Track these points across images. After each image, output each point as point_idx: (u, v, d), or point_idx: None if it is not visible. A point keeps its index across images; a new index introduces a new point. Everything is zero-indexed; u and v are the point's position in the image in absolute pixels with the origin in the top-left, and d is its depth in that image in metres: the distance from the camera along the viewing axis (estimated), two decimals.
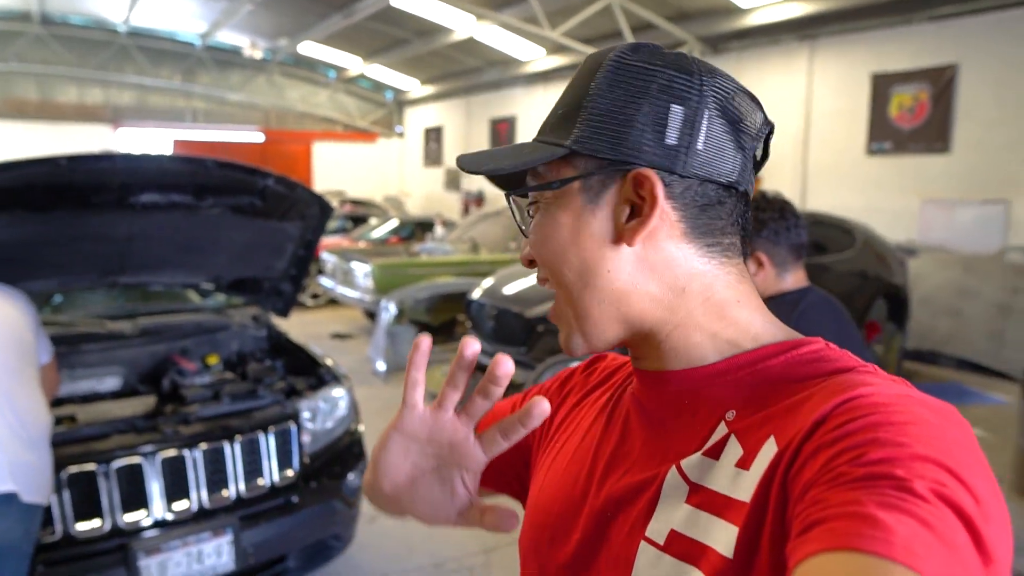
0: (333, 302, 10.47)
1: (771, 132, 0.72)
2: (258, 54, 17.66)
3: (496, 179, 0.76)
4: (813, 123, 11.14)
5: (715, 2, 11.22)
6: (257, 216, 3.15)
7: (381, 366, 7.07)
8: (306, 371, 3.40)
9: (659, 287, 0.67)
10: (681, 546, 0.60)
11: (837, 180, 10.89)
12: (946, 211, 9.56)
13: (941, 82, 9.49)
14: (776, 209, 2.05)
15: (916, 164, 9.91)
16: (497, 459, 0.73)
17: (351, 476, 3.06)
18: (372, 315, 9.44)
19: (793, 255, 2.04)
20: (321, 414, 3.07)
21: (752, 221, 2.04)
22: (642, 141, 0.65)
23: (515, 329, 5.82)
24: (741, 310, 0.68)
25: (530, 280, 6.24)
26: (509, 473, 0.90)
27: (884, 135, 10.19)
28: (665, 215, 0.65)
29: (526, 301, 5.85)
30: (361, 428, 3.29)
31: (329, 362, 3.41)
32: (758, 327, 0.68)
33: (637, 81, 0.66)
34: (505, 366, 0.65)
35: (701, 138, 0.65)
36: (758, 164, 0.72)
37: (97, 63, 18.76)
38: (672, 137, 0.64)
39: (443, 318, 8.28)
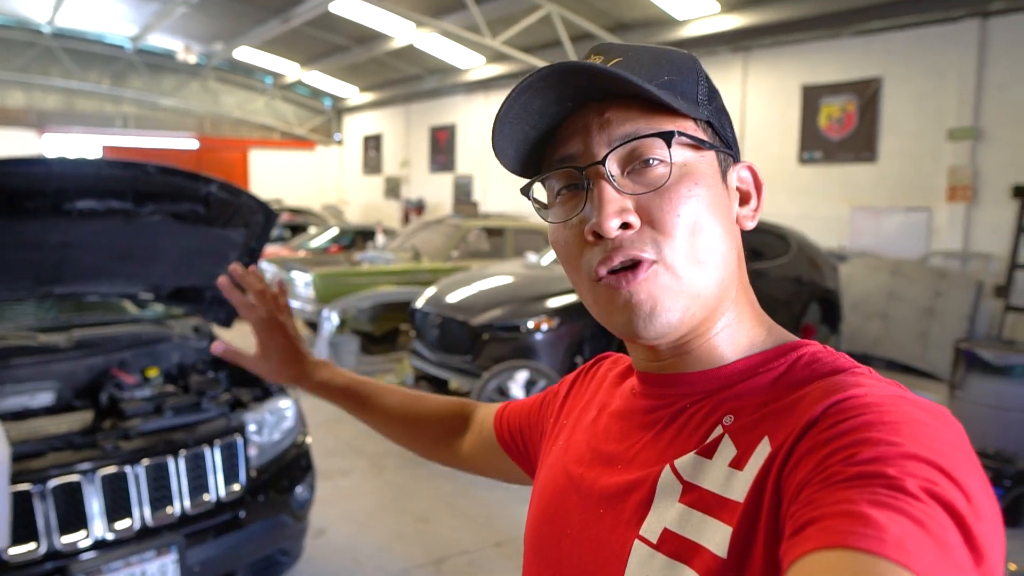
0: None
1: None
2: (192, 58, 17.21)
3: (620, 114, 0.66)
4: (748, 132, 11.44)
5: (651, 14, 11.45)
6: (199, 223, 3.06)
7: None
8: (250, 382, 3.33)
9: (740, 277, 0.70)
10: (674, 545, 0.60)
11: (771, 188, 11.17)
12: (874, 218, 9.93)
13: (867, 94, 9.87)
14: None
15: (845, 172, 10.26)
16: (511, 426, 0.98)
17: (299, 489, 3.00)
18: (313, 325, 9.28)
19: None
20: (267, 426, 3.01)
21: None
22: (733, 138, 0.72)
23: (460, 337, 5.81)
24: (764, 313, 0.72)
25: (473, 288, 6.24)
26: (519, 440, 0.97)
27: (815, 144, 10.53)
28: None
29: (470, 309, 5.84)
30: (308, 440, 3.24)
31: None
32: (764, 331, 0.70)
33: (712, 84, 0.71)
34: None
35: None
36: None
37: (19, 65, 18.00)
38: (734, 143, 0.72)
39: (386, 327, 8.21)
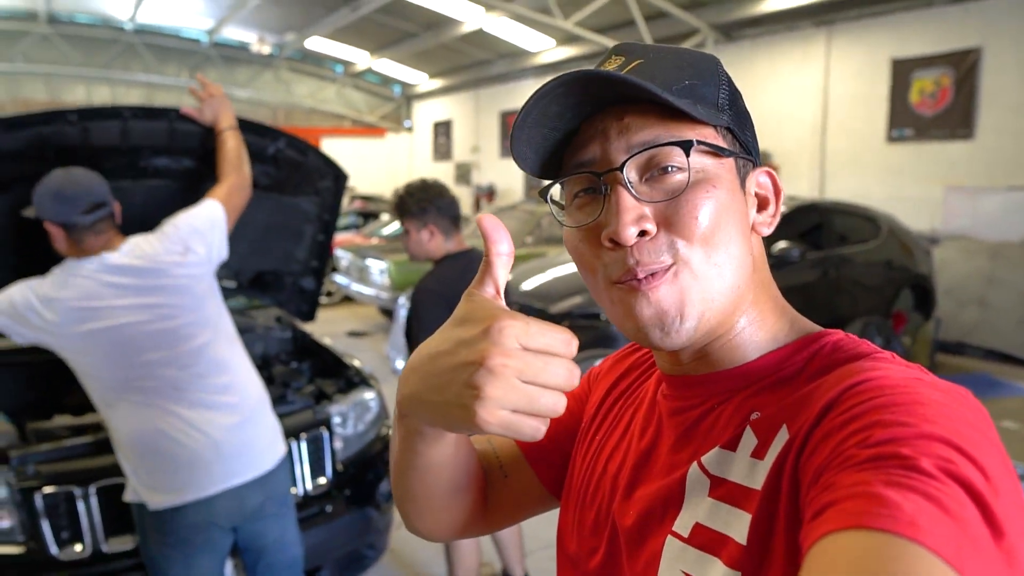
0: (348, 300, 10.36)
1: None
2: (266, 49, 17.56)
3: (635, 113, 0.65)
4: (831, 111, 10.96)
5: None
6: (270, 191, 2.86)
7: (400, 364, 6.96)
8: (333, 373, 3.28)
9: (758, 280, 0.69)
10: (704, 538, 0.61)
11: (857, 168, 10.71)
12: (970, 198, 9.37)
13: (964, 66, 9.29)
14: (436, 191, 2.64)
15: (938, 151, 9.73)
16: (545, 439, 0.79)
17: (384, 482, 2.94)
18: (388, 312, 9.33)
19: (453, 224, 2.66)
20: (352, 418, 2.95)
21: (419, 203, 2.34)
22: (754, 142, 0.71)
23: None
24: (788, 307, 0.71)
25: (549, 275, 6.11)
26: (552, 452, 0.88)
27: (905, 121, 10.00)
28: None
29: (548, 297, 5.72)
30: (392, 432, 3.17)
31: (357, 363, 3.29)
32: (787, 324, 0.70)
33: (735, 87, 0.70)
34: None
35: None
36: None
37: (104, 62, 18.67)
38: (754, 147, 0.72)
39: None
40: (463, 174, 20.30)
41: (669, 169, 0.64)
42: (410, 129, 23.18)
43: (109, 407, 2.02)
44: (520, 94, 17.73)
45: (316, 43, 18.35)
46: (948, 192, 9.60)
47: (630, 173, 0.64)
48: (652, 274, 0.63)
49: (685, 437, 0.69)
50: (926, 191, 9.77)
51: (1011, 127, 8.97)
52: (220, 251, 2.22)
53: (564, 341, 0.52)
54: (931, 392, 0.52)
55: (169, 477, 2.02)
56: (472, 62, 17.97)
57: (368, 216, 13.91)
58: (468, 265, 2.66)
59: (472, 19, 14.41)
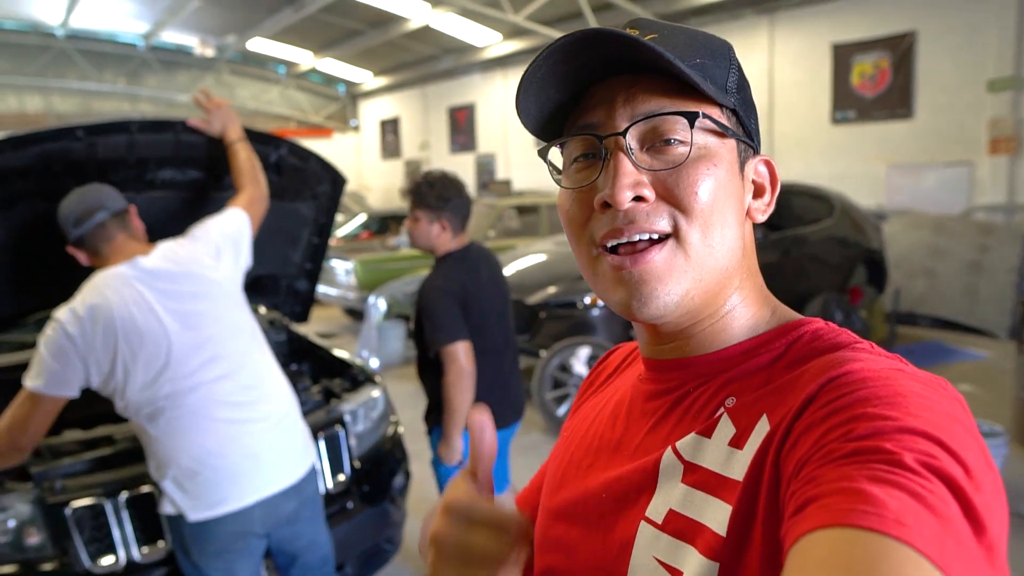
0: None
1: None
2: (210, 52, 17.18)
3: (646, 88, 0.65)
4: (777, 95, 11.28)
5: None
6: (272, 197, 2.86)
7: (375, 363, 6.97)
8: (337, 373, 3.31)
9: (747, 265, 0.69)
10: (678, 524, 0.60)
11: (804, 150, 11.06)
12: (912, 175, 9.79)
13: (900, 49, 9.68)
14: (456, 188, 2.68)
15: (880, 131, 10.11)
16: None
17: (398, 475, 2.99)
18: (353, 312, 9.31)
19: (463, 224, 2.72)
20: (361, 416, 2.99)
21: (439, 197, 2.45)
22: (756, 130, 0.71)
23: (516, 317, 5.77)
24: (770, 296, 0.71)
25: (520, 266, 6.19)
26: None
27: (847, 104, 10.37)
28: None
29: (523, 288, 5.80)
30: (401, 429, 3.23)
31: (359, 362, 3.33)
32: (768, 312, 0.70)
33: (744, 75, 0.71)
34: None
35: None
36: None
37: (36, 69, 18.03)
38: (757, 135, 0.72)
39: None
40: (413, 171, 20.22)
41: (671, 141, 0.63)
42: (356, 128, 22.97)
43: (149, 421, 1.99)
44: (469, 89, 17.76)
45: (258, 44, 18.03)
46: (890, 170, 10.01)
47: (631, 140, 0.64)
48: (643, 241, 0.63)
49: (660, 421, 0.69)
50: (870, 169, 10.16)
51: (946, 106, 9.39)
52: (247, 259, 2.24)
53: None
54: (912, 384, 0.52)
55: (210, 490, 2.00)
56: (418, 59, 17.89)
57: None
58: (472, 262, 2.71)
59: (418, 16, 14.36)
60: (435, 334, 2.60)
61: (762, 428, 0.58)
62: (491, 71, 16.81)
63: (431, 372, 2.72)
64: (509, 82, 16.49)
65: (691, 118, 0.63)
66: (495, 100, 16.90)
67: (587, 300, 5.49)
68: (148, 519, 2.34)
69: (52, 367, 1.89)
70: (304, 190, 2.97)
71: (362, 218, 12.11)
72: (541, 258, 6.35)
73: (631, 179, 0.62)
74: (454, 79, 18.03)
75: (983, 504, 0.45)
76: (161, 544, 2.33)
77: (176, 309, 2.01)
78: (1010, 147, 8.77)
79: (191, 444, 1.99)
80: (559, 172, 0.71)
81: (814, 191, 7.33)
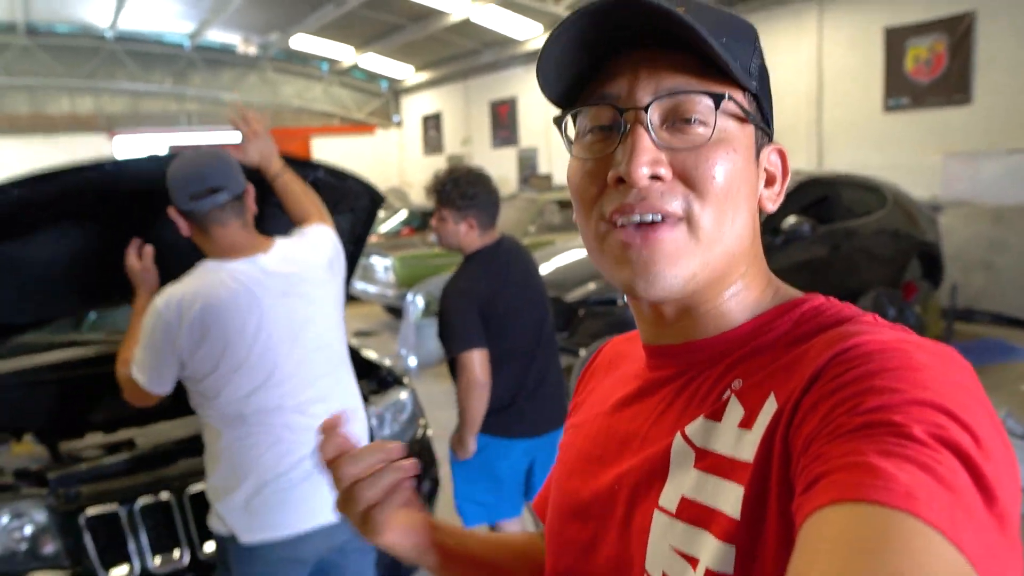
0: (351, 299, 10.30)
1: None
2: (252, 50, 17.43)
3: (667, 62, 0.63)
4: (826, 82, 10.92)
5: None
6: None
7: (412, 361, 6.91)
8: (364, 374, 3.23)
9: (753, 250, 0.68)
10: (692, 511, 0.59)
11: (854, 139, 10.69)
12: (970, 164, 9.36)
13: (958, 31, 9.26)
14: (484, 185, 2.59)
15: (936, 118, 9.71)
16: None
17: (425, 483, 2.90)
18: (393, 310, 9.28)
19: (492, 220, 2.61)
20: (388, 420, 2.91)
21: (463, 195, 2.50)
22: (772, 115, 0.69)
23: (554, 314, 5.64)
24: (772, 277, 0.70)
25: (560, 262, 6.07)
26: None
27: (901, 90, 9.98)
28: None
29: (562, 285, 5.67)
30: (430, 432, 3.13)
31: (388, 363, 3.24)
32: (771, 292, 0.69)
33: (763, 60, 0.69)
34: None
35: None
36: None
37: (87, 71, 18.50)
38: (772, 120, 0.70)
39: None
40: (469, 168, 20.18)
41: (692, 120, 0.62)
42: (399, 124, 23.06)
43: (228, 426, 1.90)
44: (510, 82, 17.64)
45: (301, 41, 18.21)
46: (947, 159, 9.58)
47: (653, 115, 0.62)
48: (654, 226, 0.62)
49: (666, 408, 0.68)
50: (925, 159, 9.76)
51: (1008, 89, 8.96)
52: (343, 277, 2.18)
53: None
54: (920, 355, 0.52)
55: (270, 512, 1.92)
56: (459, 53, 17.86)
57: None
58: (498, 261, 2.62)
59: (458, 9, 14.30)
60: (449, 341, 2.52)
61: (770, 407, 0.57)
62: (532, 64, 16.51)
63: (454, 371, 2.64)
64: None
65: (717, 100, 0.62)
66: (537, 93, 16.56)
67: (627, 298, 5.34)
68: (164, 527, 2.29)
69: (152, 363, 1.85)
70: (342, 204, 2.93)
71: (403, 214, 12.11)
72: (583, 254, 6.20)
73: (649, 156, 0.61)
74: (495, 73, 17.93)
75: (993, 473, 0.44)
76: (177, 554, 2.28)
77: (287, 319, 1.92)
78: None
79: (263, 462, 1.90)
80: (571, 142, 0.69)
81: (865, 182, 7.05)
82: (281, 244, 1.99)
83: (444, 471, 3.14)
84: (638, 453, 0.68)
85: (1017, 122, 8.91)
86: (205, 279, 1.85)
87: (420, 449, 3.00)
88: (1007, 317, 7.52)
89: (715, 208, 0.62)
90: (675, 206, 0.61)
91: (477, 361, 2.49)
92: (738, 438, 0.59)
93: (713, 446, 0.60)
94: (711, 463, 0.60)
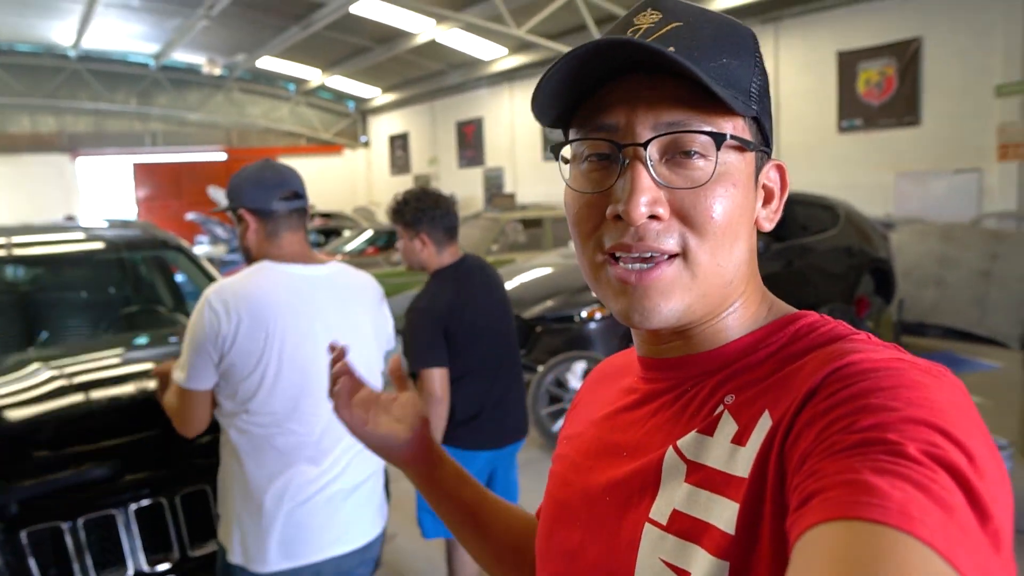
0: None
1: None
2: (217, 70, 17.36)
3: (657, 100, 0.62)
4: (782, 104, 11.20)
5: None
6: None
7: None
8: None
9: (750, 274, 0.68)
10: (683, 525, 0.59)
11: (810, 159, 10.96)
12: (920, 183, 9.67)
13: (906, 56, 9.59)
14: (432, 201, 2.60)
15: (887, 138, 10.01)
16: None
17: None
18: None
19: (446, 236, 2.62)
20: None
21: (414, 212, 2.49)
22: (771, 129, 0.67)
23: None
24: (767, 293, 0.70)
25: (519, 281, 6.15)
26: None
27: (854, 112, 10.28)
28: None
29: (520, 302, 5.75)
30: None
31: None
32: (765, 309, 0.69)
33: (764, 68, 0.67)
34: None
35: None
36: None
37: (49, 90, 18.31)
38: (770, 133, 0.68)
39: None
40: (422, 186, 20.25)
41: (692, 154, 0.61)
42: (366, 144, 23.11)
43: (250, 443, 1.86)
44: (476, 103, 17.81)
45: (267, 62, 18.23)
46: (898, 178, 9.89)
47: (652, 151, 0.61)
48: (650, 264, 0.62)
49: (659, 420, 0.68)
50: (878, 178, 10.05)
51: (953, 112, 9.29)
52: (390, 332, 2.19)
53: None
54: (914, 373, 0.52)
55: (283, 544, 1.87)
56: (426, 74, 17.99)
57: (329, 233, 13.83)
58: (460, 279, 2.67)
59: (424, 31, 14.44)
60: (412, 357, 2.57)
61: (764, 424, 0.57)
62: (498, 85, 16.86)
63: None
64: (516, 96, 16.53)
65: (718, 140, 0.60)
66: (502, 114, 16.94)
67: (584, 314, 5.43)
68: (110, 543, 2.30)
69: (192, 360, 1.80)
70: None
71: (369, 233, 12.14)
72: (545, 271, 6.30)
73: (649, 196, 0.60)
74: (461, 94, 18.10)
75: (987, 492, 0.44)
76: (122, 570, 2.29)
77: (332, 333, 1.88)
78: (1019, 153, 8.63)
79: (279, 483, 1.86)
80: (567, 164, 0.69)
81: (818, 200, 7.25)
82: (337, 265, 2.02)
83: (403, 486, 3.18)
84: (629, 463, 0.68)
85: (962, 143, 9.23)
86: (260, 274, 1.87)
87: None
88: (957, 330, 7.73)
89: (712, 244, 0.62)
90: (671, 244, 0.61)
91: (436, 379, 2.54)
92: (731, 453, 0.58)
93: (705, 460, 0.60)
94: (703, 477, 0.60)
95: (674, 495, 0.61)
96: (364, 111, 22.56)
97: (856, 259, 7.26)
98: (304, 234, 1.98)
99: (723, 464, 0.59)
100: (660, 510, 0.62)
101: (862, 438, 0.47)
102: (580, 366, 5.12)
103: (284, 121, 21.93)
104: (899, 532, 0.40)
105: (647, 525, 0.63)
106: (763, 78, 0.65)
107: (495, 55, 15.43)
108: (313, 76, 19.47)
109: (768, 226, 0.68)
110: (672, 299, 0.62)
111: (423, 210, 2.60)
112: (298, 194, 1.94)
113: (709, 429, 0.61)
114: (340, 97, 22.00)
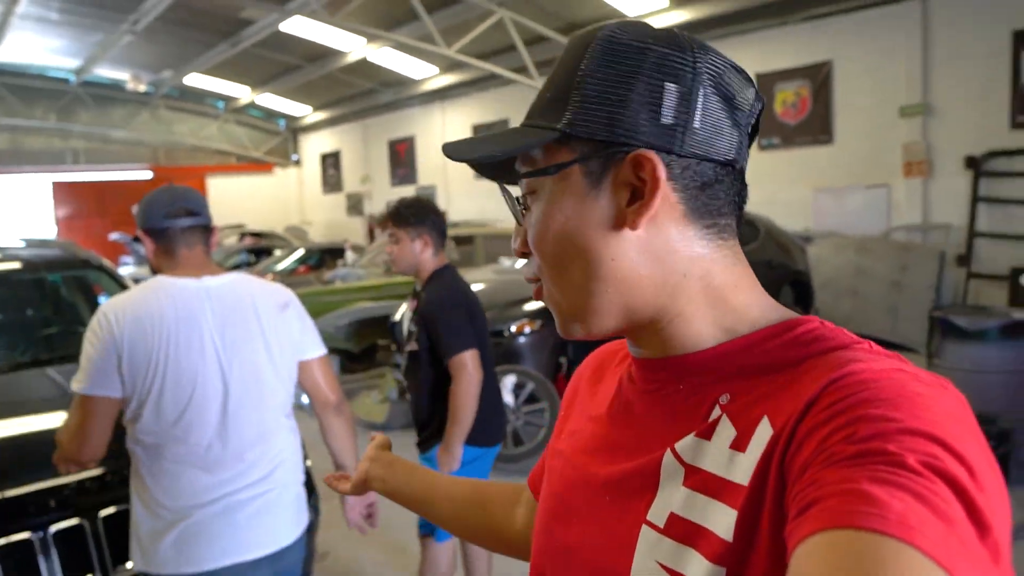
0: None
1: (763, 108, 0.70)
2: (142, 87, 16.93)
3: (483, 168, 0.75)
4: None
5: (602, 13, 11.54)
6: None
7: (306, 399, 6.86)
8: None
9: (662, 273, 0.66)
10: (680, 529, 0.60)
11: None
12: (836, 198, 10.12)
13: (819, 77, 10.06)
14: (431, 206, 2.79)
15: (805, 156, 10.45)
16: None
17: (310, 513, 2.94)
18: None
19: (443, 242, 2.80)
20: None
21: (417, 214, 2.56)
22: (638, 121, 0.63)
23: None
24: (739, 295, 0.67)
25: None
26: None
27: (773, 131, 10.71)
28: (666, 197, 0.64)
29: None
30: (308, 463, 3.18)
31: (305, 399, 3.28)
32: (756, 312, 0.67)
33: (629, 60, 0.64)
34: None
35: (697, 116, 0.63)
36: (750, 140, 0.70)
37: None
38: (668, 116, 0.62)
39: (364, 344, 8.14)
40: (354, 204, 20.16)
41: (526, 197, 0.71)
42: (298, 163, 22.84)
43: (149, 454, 1.90)
44: (408, 122, 17.83)
45: (195, 79, 17.88)
46: (816, 194, 10.33)
47: (525, 199, 0.72)
48: (538, 281, 0.73)
49: (654, 419, 0.69)
50: (797, 194, 10.47)
51: (864, 130, 9.77)
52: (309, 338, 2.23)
53: None
54: (913, 384, 0.52)
55: (179, 551, 1.89)
56: (357, 92, 17.93)
57: (260, 253, 13.63)
58: (457, 278, 2.82)
59: (355, 50, 14.43)
60: (452, 341, 2.63)
61: (764, 431, 0.57)
62: (430, 104, 16.93)
63: (435, 392, 2.75)
64: (448, 114, 16.62)
65: (521, 180, 0.71)
66: (434, 132, 17.00)
67: (513, 328, 5.52)
68: (79, 551, 2.29)
69: (91, 365, 1.82)
70: None
71: (300, 252, 12.03)
72: (478, 287, 6.36)
73: (519, 238, 0.73)
74: (393, 112, 18.10)
75: (987, 504, 0.44)
76: None
77: (221, 343, 1.92)
78: (922, 170, 9.15)
79: (173, 492, 1.89)
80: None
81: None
82: (237, 275, 2.04)
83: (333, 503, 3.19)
84: (627, 462, 0.68)
85: (872, 160, 9.72)
86: (149, 288, 1.90)
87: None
88: (872, 338, 8.05)
89: (548, 269, 0.69)
90: (535, 273, 0.72)
91: (469, 360, 2.63)
92: (730, 459, 0.59)
93: (703, 464, 0.61)
94: (701, 481, 0.60)
95: (672, 498, 0.62)
96: (295, 129, 22.32)
97: (776, 272, 7.54)
98: (203, 249, 2.02)
99: (721, 469, 0.59)
100: (657, 513, 0.63)
101: (862, 448, 0.47)
102: (510, 379, 5.20)
103: (213, 139, 21.51)
104: (899, 542, 0.40)
105: (644, 527, 0.63)
106: (599, 82, 0.64)
107: (426, 74, 15.51)
108: (243, 94, 19.19)
109: (640, 222, 0.63)
110: (559, 315, 0.71)
111: (425, 213, 2.73)
112: (191, 211, 1.99)
113: (707, 433, 0.62)
114: (271, 115, 21.71)
